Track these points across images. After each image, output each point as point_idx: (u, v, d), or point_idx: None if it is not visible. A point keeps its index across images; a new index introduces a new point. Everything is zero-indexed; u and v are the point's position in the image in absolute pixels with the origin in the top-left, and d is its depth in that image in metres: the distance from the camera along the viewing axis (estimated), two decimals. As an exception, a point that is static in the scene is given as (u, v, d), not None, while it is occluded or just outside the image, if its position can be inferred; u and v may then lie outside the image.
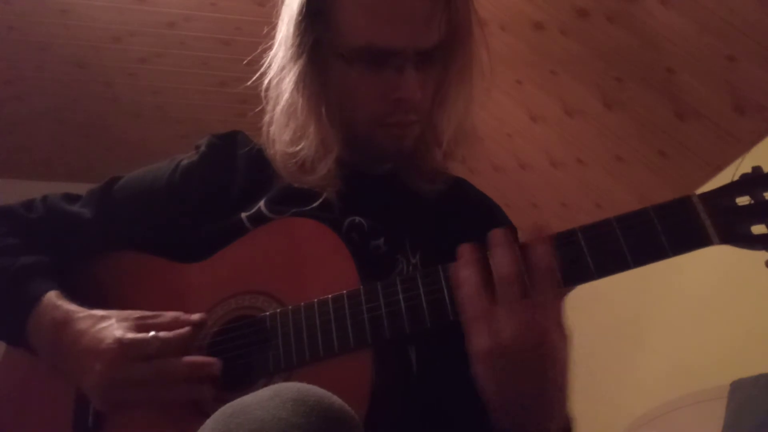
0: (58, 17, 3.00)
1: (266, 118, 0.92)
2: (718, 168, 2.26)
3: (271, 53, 0.91)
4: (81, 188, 1.00)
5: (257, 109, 0.93)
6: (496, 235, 0.69)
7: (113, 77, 3.37)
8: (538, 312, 0.64)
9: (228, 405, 0.55)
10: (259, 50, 0.92)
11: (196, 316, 0.79)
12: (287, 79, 0.88)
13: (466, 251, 0.69)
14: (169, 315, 0.79)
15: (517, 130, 2.94)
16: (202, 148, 0.97)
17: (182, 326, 0.77)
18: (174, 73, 3.36)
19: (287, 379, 0.73)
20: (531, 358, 0.64)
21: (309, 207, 0.88)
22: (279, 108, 0.90)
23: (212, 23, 3.08)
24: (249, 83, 0.93)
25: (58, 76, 3.33)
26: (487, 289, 0.66)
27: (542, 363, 0.65)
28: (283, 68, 0.88)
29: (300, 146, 0.88)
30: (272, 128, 0.91)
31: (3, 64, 3.24)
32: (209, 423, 0.54)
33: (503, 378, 0.66)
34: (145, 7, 2.98)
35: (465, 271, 0.68)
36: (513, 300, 0.65)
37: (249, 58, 0.92)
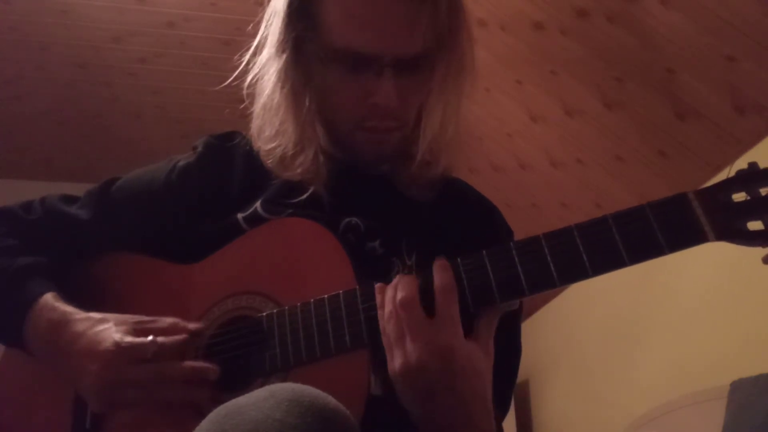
0: (58, 17, 3.00)
1: (253, 114, 0.92)
2: (718, 168, 2.26)
3: (252, 49, 0.90)
4: (81, 188, 1.00)
5: (241, 107, 0.93)
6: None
7: (113, 77, 3.37)
8: (441, 330, 0.68)
9: (223, 406, 0.55)
10: (244, 48, 0.92)
11: (192, 325, 0.79)
12: (268, 76, 0.88)
13: (396, 278, 0.73)
14: (167, 321, 0.79)
15: (517, 130, 2.93)
16: (199, 149, 0.97)
17: (179, 332, 0.77)
18: (174, 73, 3.37)
19: (284, 380, 0.73)
20: (440, 375, 0.67)
21: (297, 200, 0.88)
22: (260, 104, 0.90)
23: (212, 23, 3.08)
24: (227, 83, 0.93)
25: (58, 76, 3.34)
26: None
27: (453, 380, 0.67)
28: (265, 65, 0.89)
29: (277, 142, 0.88)
30: (254, 124, 0.92)
31: (3, 64, 3.24)
32: (204, 424, 0.54)
33: (418, 397, 0.69)
34: (145, 7, 2.98)
35: (387, 294, 0.72)
36: (415, 322, 0.68)
37: (237, 56, 0.92)
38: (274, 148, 0.88)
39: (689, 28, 2.00)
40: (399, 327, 0.69)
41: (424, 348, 0.67)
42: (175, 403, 0.75)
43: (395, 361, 0.69)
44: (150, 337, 0.75)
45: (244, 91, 0.91)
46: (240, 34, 3.22)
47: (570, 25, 2.34)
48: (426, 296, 0.70)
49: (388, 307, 0.71)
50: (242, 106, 0.94)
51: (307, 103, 0.87)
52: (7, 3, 2.91)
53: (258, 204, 0.89)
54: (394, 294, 0.71)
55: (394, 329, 0.69)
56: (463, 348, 0.68)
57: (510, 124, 2.94)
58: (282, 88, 0.86)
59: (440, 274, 0.71)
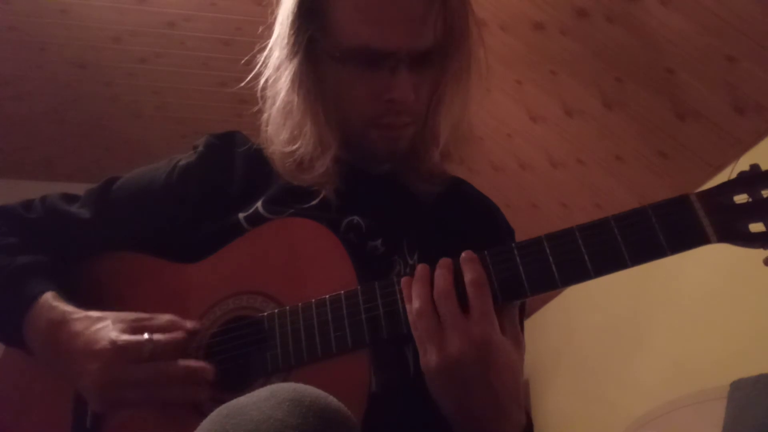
0: (58, 17, 3.00)
1: (264, 117, 0.92)
2: (718, 168, 2.26)
3: (266, 52, 0.91)
4: (81, 188, 1.00)
5: (255, 109, 0.93)
6: (440, 260, 0.73)
7: (113, 77, 3.37)
8: (478, 325, 0.67)
9: (224, 405, 0.55)
10: (255, 50, 0.92)
11: (189, 324, 0.79)
12: (283, 79, 0.88)
13: (417, 269, 0.72)
14: (164, 318, 0.78)
15: (517, 130, 2.94)
16: (200, 148, 0.97)
17: (177, 330, 0.77)
18: (174, 73, 3.37)
19: (285, 380, 0.73)
20: (477, 370, 0.67)
21: (307, 205, 0.88)
22: (275, 107, 0.90)
23: (212, 23, 3.09)
24: (243, 84, 0.93)
25: (58, 76, 3.34)
26: (433, 307, 0.69)
27: (488, 374, 0.67)
28: (278, 67, 0.89)
29: (297, 145, 0.88)
30: (269, 127, 0.91)
31: (3, 64, 3.24)
32: (205, 424, 0.54)
33: (453, 392, 0.68)
34: (145, 7, 2.98)
35: (413, 289, 0.71)
36: (452, 316, 0.68)
37: (246, 57, 0.92)
38: (294, 151, 0.88)
39: (689, 28, 2.00)
40: (433, 321, 0.68)
41: (463, 342, 0.66)
42: (174, 402, 0.75)
43: (430, 356, 0.68)
44: (146, 335, 0.75)
45: (258, 94, 0.91)
46: (240, 34, 3.26)
47: (570, 25, 2.34)
48: (456, 290, 0.70)
49: (418, 301, 0.70)
50: (253, 110, 0.94)
51: (322, 105, 0.87)
52: (6, 3, 2.91)
53: (259, 204, 0.89)
54: (422, 288, 0.70)
55: (427, 323, 0.69)
56: (500, 342, 0.68)
57: (510, 124, 2.94)
58: (298, 91, 0.86)
59: (470, 268, 0.70)
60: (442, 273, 0.71)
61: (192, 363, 0.75)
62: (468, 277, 0.70)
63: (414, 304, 0.70)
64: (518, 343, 0.71)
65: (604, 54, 2.31)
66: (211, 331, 0.81)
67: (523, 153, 3.00)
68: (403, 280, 0.73)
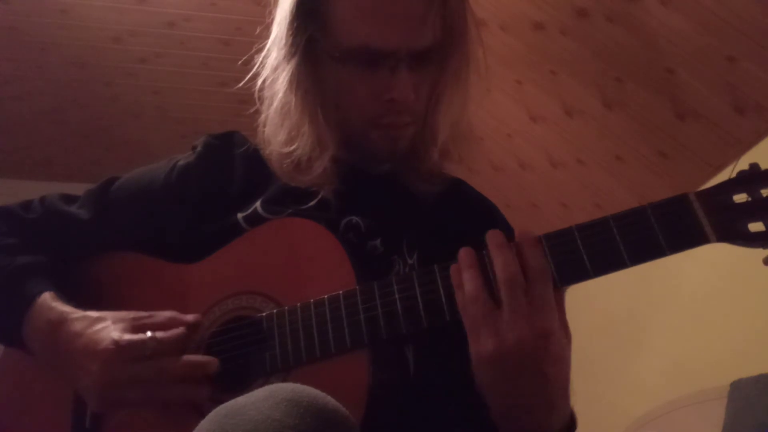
0: (58, 17, 3.00)
1: (261, 118, 0.92)
2: (718, 168, 2.26)
3: (264, 53, 0.91)
4: (81, 188, 1.00)
5: (254, 110, 0.93)
6: (496, 236, 0.70)
7: (113, 77, 3.37)
8: (540, 314, 0.65)
9: (223, 405, 0.55)
10: (253, 50, 0.92)
11: (190, 317, 0.79)
12: (281, 79, 0.88)
13: (465, 254, 0.70)
14: (164, 315, 0.78)
15: (517, 130, 2.94)
16: (199, 148, 0.97)
17: (177, 326, 0.77)
18: (174, 73, 3.37)
19: (284, 380, 0.73)
20: (534, 360, 0.65)
21: (306, 206, 0.88)
22: (273, 108, 0.90)
23: (212, 23, 3.09)
24: (241, 84, 0.93)
25: (58, 76, 3.34)
26: (488, 292, 0.67)
27: (544, 364, 0.65)
28: (276, 68, 0.89)
29: (295, 146, 0.88)
30: (267, 128, 0.91)
31: (3, 65, 3.24)
32: (204, 423, 0.54)
33: (506, 381, 0.66)
34: (145, 7, 2.99)
35: (465, 275, 0.69)
36: (516, 303, 0.66)
37: (244, 58, 0.92)
38: (291, 152, 0.88)
39: (689, 28, 2.00)
40: (489, 306, 0.66)
41: (524, 329, 0.64)
42: (175, 401, 0.75)
43: (485, 342, 0.65)
44: (149, 334, 0.75)
45: (256, 95, 0.91)
46: (240, 34, 3.26)
47: (570, 25, 2.34)
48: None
49: (471, 285, 0.68)
50: (250, 111, 0.93)
51: (320, 106, 0.87)
52: (6, 3, 2.91)
53: (258, 204, 0.89)
54: (475, 273, 0.68)
55: (482, 308, 0.66)
56: (558, 333, 0.66)
57: (510, 124, 2.94)
58: (296, 92, 0.86)
59: (534, 255, 0.68)
60: (506, 258, 0.68)
61: (194, 358, 0.75)
62: (533, 264, 0.67)
63: (467, 288, 0.68)
64: (569, 335, 0.69)
65: (604, 54, 2.31)
66: (210, 331, 0.81)
67: (523, 153, 3.01)
68: (453, 267, 0.71)
